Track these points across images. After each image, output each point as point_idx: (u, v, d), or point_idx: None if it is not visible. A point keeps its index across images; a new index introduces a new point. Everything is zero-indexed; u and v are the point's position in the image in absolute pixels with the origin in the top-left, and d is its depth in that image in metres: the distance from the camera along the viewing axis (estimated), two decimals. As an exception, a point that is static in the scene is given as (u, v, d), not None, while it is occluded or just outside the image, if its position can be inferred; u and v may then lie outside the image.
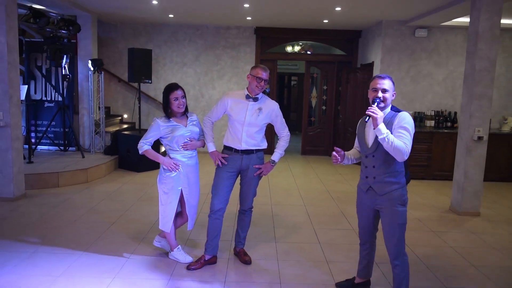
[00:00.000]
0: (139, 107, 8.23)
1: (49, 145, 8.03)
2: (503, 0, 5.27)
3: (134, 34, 9.40)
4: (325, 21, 8.34)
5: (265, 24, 9.08)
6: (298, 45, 10.85)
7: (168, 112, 3.62)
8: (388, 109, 2.94)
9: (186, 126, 3.64)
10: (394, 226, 2.91)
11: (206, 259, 3.74)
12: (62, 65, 7.39)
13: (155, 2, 7.00)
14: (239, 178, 3.81)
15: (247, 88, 3.66)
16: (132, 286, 3.36)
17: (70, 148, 7.98)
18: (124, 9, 7.71)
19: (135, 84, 8.74)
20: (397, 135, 2.78)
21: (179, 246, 3.86)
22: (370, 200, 3.04)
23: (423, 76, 8.22)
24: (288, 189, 6.71)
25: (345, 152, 3.17)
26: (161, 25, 9.38)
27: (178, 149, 3.64)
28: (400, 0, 6.34)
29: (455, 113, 8.03)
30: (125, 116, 9.63)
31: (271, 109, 3.68)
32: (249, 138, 3.63)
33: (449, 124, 7.95)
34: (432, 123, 7.97)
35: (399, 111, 2.91)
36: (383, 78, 2.91)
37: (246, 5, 7.03)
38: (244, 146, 3.63)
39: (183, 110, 3.62)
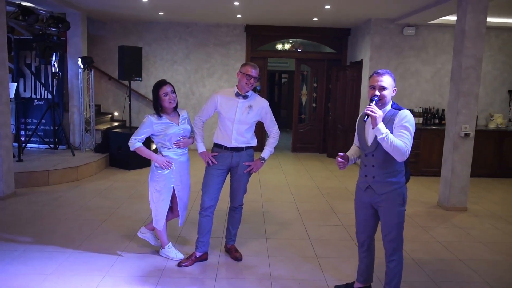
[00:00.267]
0: (130, 105, 8.22)
1: (39, 143, 7.99)
2: (488, -1, 5.36)
3: (124, 32, 9.37)
4: (315, 19, 8.38)
5: (255, 22, 9.10)
6: (288, 43, 10.89)
7: (159, 109, 3.63)
8: (389, 107, 2.83)
9: (178, 124, 3.66)
10: (391, 225, 2.86)
11: (197, 256, 3.76)
12: (51, 63, 7.36)
13: (145, 0, 6.99)
14: (229, 175, 3.84)
15: (237, 85, 3.68)
16: (123, 283, 3.38)
17: (60, 146, 7.95)
18: (114, 6, 7.68)
19: (126, 82, 8.71)
20: (397, 135, 2.69)
21: (170, 243, 3.89)
22: (369, 199, 2.95)
23: (411, 74, 8.31)
24: (279, 186, 6.76)
25: (347, 154, 3.08)
26: (151, 23, 9.35)
27: (170, 147, 3.66)
28: (388, -2, 6.41)
29: (443, 110, 8.14)
30: (116, 114, 9.60)
31: (261, 107, 3.71)
32: (239, 136, 3.66)
33: (437, 121, 8.07)
34: (420, 120, 8.06)
35: (400, 108, 2.81)
36: (381, 74, 2.78)
37: (236, 3, 7.05)
38: (234, 144, 3.66)
39: (174, 105, 3.63)
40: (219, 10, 7.87)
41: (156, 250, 3.97)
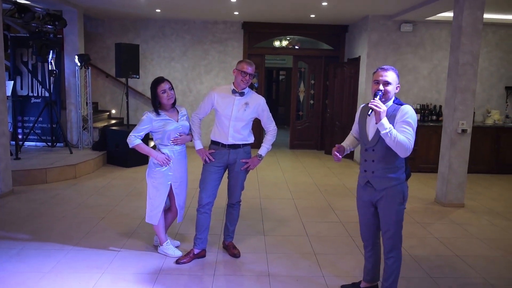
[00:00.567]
0: (127, 102, 8.21)
1: (36, 141, 7.97)
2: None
3: (121, 30, 9.35)
4: (312, 16, 8.38)
5: (252, 18, 9.09)
6: (285, 39, 10.88)
7: (158, 106, 3.63)
8: (391, 102, 2.81)
9: (177, 121, 3.67)
10: (390, 222, 2.85)
11: (195, 253, 3.77)
12: (48, 61, 7.33)
13: (141, -3, 6.98)
14: (226, 172, 3.85)
15: (233, 83, 3.68)
16: (121, 281, 3.39)
17: (57, 144, 7.93)
18: (110, 4, 7.65)
19: (123, 80, 8.70)
20: (400, 130, 2.67)
21: (168, 240, 3.89)
22: (369, 197, 2.93)
23: (409, 70, 8.32)
24: (277, 182, 6.77)
25: (343, 145, 3.10)
26: (148, 20, 9.33)
27: (168, 144, 3.66)
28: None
29: (440, 106, 8.15)
30: (113, 111, 9.59)
31: (257, 104, 3.71)
32: (236, 133, 3.66)
33: (434, 117, 8.09)
34: (418, 116, 8.07)
35: (401, 104, 2.79)
36: (386, 70, 2.77)
37: (233, 0, 7.04)
38: (231, 141, 3.66)
39: (172, 101, 3.65)
40: (216, 7, 7.85)
41: (154, 248, 3.98)
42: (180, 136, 3.69)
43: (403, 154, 2.68)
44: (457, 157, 5.61)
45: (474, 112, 6.83)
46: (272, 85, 15.77)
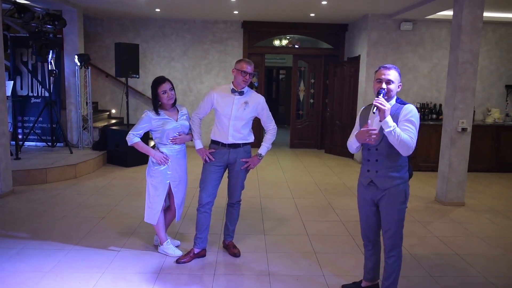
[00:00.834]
0: (127, 102, 8.21)
1: (36, 141, 7.97)
2: (485, -7, 5.37)
3: (121, 29, 9.35)
4: (312, 15, 8.37)
5: (252, 18, 9.08)
6: (285, 39, 10.88)
7: (158, 106, 3.63)
8: (393, 101, 2.82)
9: (177, 121, 3.67)
10: (391, 221, 2.84)
11: (196, 252, 3.77)
12: (48, 60, 7.33)
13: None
14: (227, 171, 3.85)
15: (232, 82, 3.68)
16: (121, 280, 3.39)
17: (58, 144, 7.93)
18: (110, 3, 7.65)
19: (123, 79, 8.70)
20: (402, 129, 2.68)
21: (168, 240, 3.90)
22: (371, 195, 2.92)
23: (409, 69, 8.31)
24: (277, 182, 6.77)
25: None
26: (148, 20, 9.33)
27: (166, 143, 3.66)
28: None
29: (440, 105, 8.15)
30: (113, 111, 9.59)
31: (257, 103, 3.71)
32: (236, 132, 3.66)
33: (434, 116, 8.08)
34: (418, 115, 8.05)
35: (404, 103, 2.80)
36: (388, 68, 2.78)
37: (233, -1, 7.05)
38: (231, 140, 3.66)
39: (172, 101, 3.65)
40: (216, 6, 7.85)
41: (155, 247, 3.98)
42: (179, 135, 3.69)
43: (405, 152, 2.69)
44: (457, 155, 5.61)
45: (474, 111, 6.83)
46: (272, 84, 15.76)
